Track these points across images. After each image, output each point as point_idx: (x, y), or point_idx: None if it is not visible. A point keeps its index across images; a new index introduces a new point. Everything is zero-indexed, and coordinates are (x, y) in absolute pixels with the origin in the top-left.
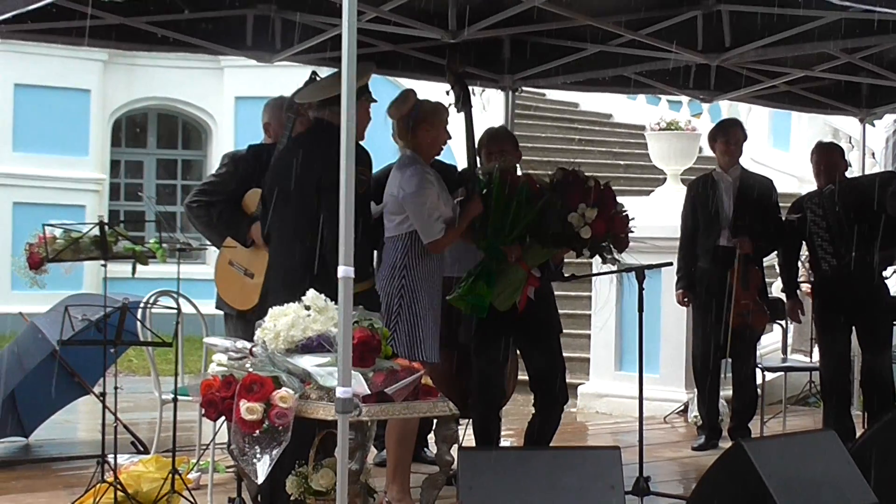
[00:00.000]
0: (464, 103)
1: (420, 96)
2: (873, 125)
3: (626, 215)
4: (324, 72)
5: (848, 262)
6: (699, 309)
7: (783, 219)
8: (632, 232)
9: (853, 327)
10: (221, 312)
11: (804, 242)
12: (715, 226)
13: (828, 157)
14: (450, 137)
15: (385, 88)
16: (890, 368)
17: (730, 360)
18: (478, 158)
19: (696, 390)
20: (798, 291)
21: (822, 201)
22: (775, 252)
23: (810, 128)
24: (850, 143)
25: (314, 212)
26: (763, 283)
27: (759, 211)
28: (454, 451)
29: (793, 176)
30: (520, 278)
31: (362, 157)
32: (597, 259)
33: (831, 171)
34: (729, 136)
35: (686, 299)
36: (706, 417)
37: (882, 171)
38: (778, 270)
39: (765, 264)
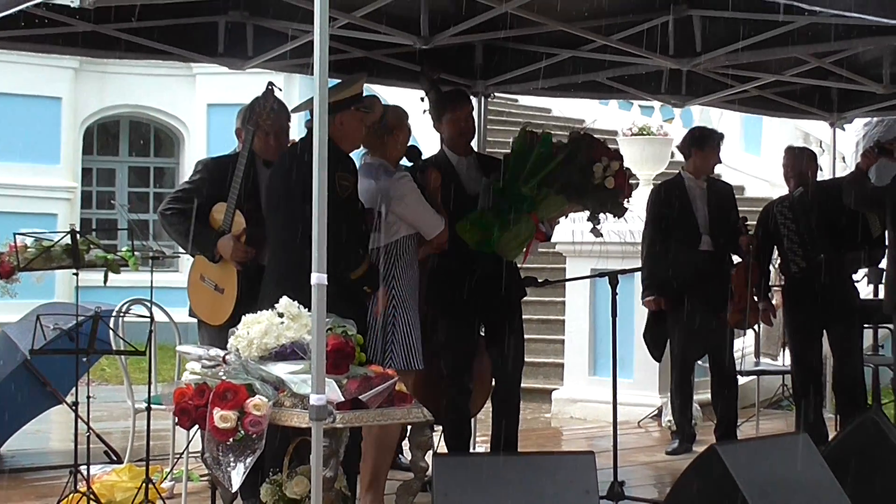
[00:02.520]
0: None
1: (394, 102)
2: (843, 129)
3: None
4: (295, 79)
5: (817, 263)
6: (682, 316)
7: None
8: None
9: (824, 330)
10: (195, 320)
11: (775, 247)
12: (694, 233)
13: (799, 160)
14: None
15: None
16: (861, 371)
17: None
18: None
19: (670, 394)
20: (769, 294)
21: (791, 204)
22: None
23: (781, 132)
24: (821, 147)
25: (300, 221)
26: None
27: (725, 214)
28: (429, 457)
29: (764, 180)
30: (529, 230)
31: (346, 164)
32: (570, 264)
33: (802, 175)
34: (707, 146)
35: (657, 304)
36: (681, 422)
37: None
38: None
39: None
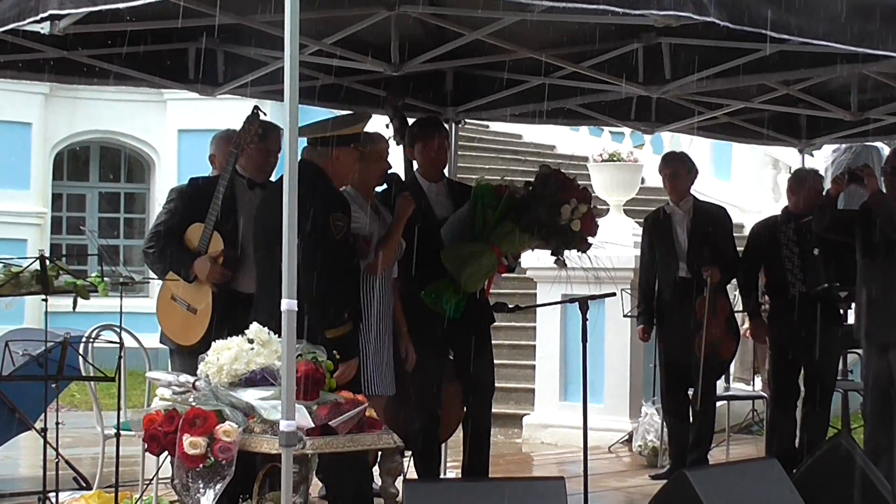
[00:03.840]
0: (403, 136)
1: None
2: (812, 155)
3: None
4: (266, 106)
5: (818, 291)
6: (664, 342)
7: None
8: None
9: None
10: (165, 346)
11: (763, 266)
12: (672, 259)
13: (813, 184)
14: (389, 167)
15: None
16: (832, 389)
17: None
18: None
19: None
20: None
21: (798, 227)
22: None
23: (751, 158)
24: (790, 173)
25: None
26: (731, 312)
27: (714, 241)
28: (399, 483)
29: (734, 206)
30: (492, 263)
31: (342, 204)
32: (541, 290)
33: (813, 199)
34: (667, 170)
35: (646, 335)
36: (677, 447)
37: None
38: (738, 293)
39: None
